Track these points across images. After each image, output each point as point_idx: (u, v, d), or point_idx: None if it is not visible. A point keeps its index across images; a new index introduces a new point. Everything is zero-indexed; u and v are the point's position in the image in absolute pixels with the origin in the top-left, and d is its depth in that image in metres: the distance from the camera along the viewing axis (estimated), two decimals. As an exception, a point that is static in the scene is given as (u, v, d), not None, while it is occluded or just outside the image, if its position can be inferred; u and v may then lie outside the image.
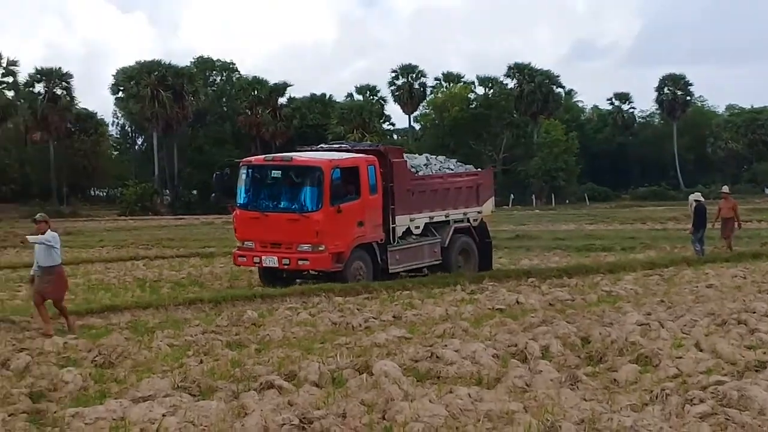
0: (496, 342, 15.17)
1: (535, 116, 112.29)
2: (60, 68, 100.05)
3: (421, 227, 28.55)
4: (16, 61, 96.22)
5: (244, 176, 26.93)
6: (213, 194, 33.83)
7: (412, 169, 28.86)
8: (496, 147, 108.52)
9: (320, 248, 25.52)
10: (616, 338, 15.00)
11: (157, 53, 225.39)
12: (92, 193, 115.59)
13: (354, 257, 26.24)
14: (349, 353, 14.79)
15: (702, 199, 33.79)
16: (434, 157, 31.93)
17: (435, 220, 29.03)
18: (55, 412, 11.28)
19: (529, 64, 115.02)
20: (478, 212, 30.62)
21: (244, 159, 28.43)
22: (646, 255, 35.32)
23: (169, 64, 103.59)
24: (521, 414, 10.57)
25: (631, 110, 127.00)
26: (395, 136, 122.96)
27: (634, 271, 28.43)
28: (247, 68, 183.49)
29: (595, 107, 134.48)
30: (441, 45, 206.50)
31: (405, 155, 29.76)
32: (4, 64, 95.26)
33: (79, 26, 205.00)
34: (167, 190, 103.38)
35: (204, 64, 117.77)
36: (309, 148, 30.44)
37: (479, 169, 32.93)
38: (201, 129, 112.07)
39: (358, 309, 21.21)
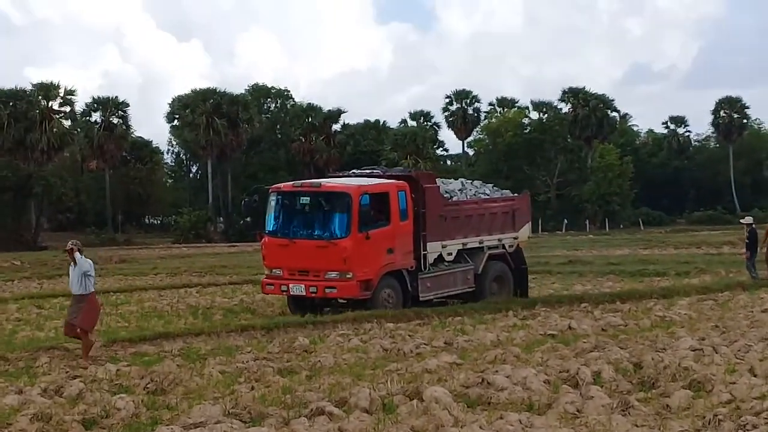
0: (548, 368, 15.08)
1: (589, 141, 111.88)
2: (116, 97, 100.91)
3: (454, 254, 28.03)
4: (73, 91, 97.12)
5: (273, 203, 26.68)
6: (242, 221, 33.79)
7: (446, 195, 28.43)
8: (550, 172, 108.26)
9: (348, 276, 25.16)
10: (668, 363, 14.85)
11: (212, 81, 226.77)
12: (147, 220, 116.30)
13: (383, 285, 25.81)
14: (399, 379, 14.75)
15: (752, 222, 33.59)
16: (470, 181, 31.59)
17: (468, 246, 28.49)
18: (107, 439, 11.35)
19: (584, 88, 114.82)
20: (514, 238, 30.02)
21: (273, 186, 28.03)
22: (701, 280, 35.02)
23: (224, 91, 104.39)
24: (572, 440, 10.51)
25: (687, 134, 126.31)
26: (449, 162, 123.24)
27: (688, 296, 28.17)
28: (301, 95, 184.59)
29: (650, 131, 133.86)
30: (495, 70, 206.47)
31: (439, 180, 29.50)
32: (62, 94, 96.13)
33: (135, 55, 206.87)
34: (221, 218, 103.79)
35: (259, 92, 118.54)
36: (340, 174, 30.46)
37: (515, 195, 32.16)
38: (255, 156, 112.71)
39: (409, 335, 21.20)
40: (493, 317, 24.67)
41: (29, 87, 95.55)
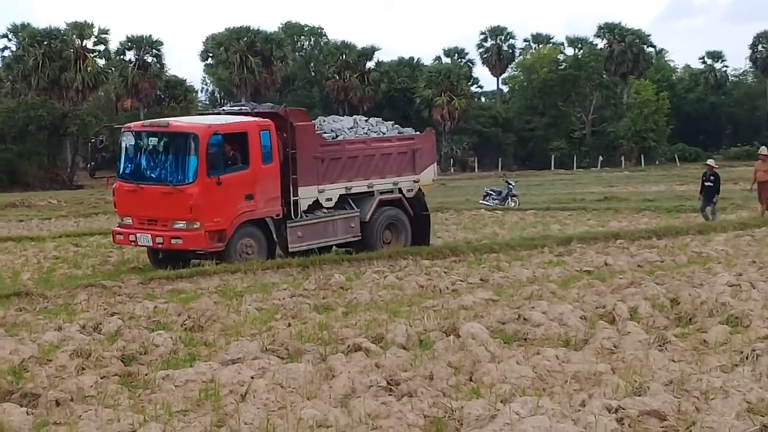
0: (584, 304, 15.08)
1: (625, 77, 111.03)
2: (150, 36, 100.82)
3: (334, 199, 25.43)
4: (107, 30, 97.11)
5: (123, 144, 24.15)
6: (89, 165, 30.32)
7: (328, 134, 25.97)
8: (585, 108, 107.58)
9: (195, 225, 22.73)
10: (705, 299, 14.80)
11: (245, 19, 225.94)
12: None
13: (240, 235, 23.35)
14: (436, 316, 14.78)
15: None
16: (364, 119, 28.53)
17: (354, 191, 25.83)
18: (146, 375, 11.43)
19: (620, 23, 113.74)
20: (414, 181, 27.06)
21: (125, 125, 25.54)
22: (738, 215, 34.84)
23: (258, 29, 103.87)
24: (609, 375, 10.50)
25: (724, 69, 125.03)
26: (483, 99, 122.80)
27: (724, 232, 27.98)
28: (335, 33, 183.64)
29: (687, 66, 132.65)
30: (530, 6, 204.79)
31: (325, 118, 27.74)
32: (96, 33, 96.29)
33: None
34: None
35: (292, 30, 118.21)
36: (209, 113, 28.85)
37: (417, 133, 28.59)
38: (289, 94, 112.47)
39: (445, 272, 21.23)
40: (528, 254, 24.62)
41: (63, 26, 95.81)
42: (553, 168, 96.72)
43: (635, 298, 15.31)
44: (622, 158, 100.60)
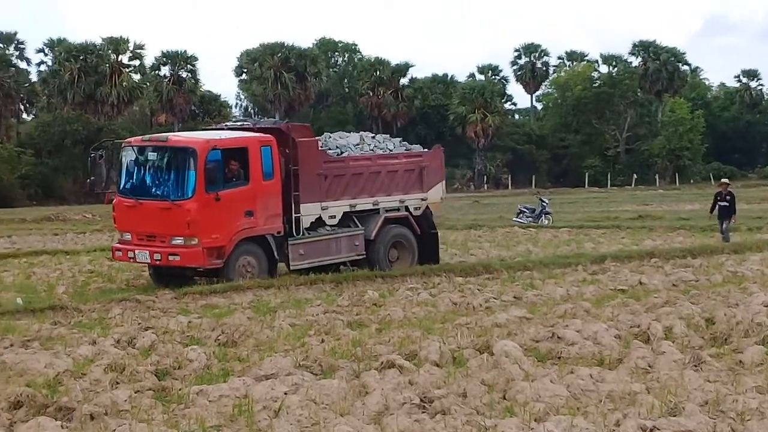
0: (618, 322, 15.01)
1: (659, 95, 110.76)
2: (185, 51, 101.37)
3: (338, 217, 24.94)
4: (142, 45, 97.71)
5: (123, 159, 23.97)
6: (88, 180, 29.44)
7: (333, 150, 25.55)
8: (620, 126, 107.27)
9: (193, 242, 22.34)
10: (741, 319, 14.71)
11: (280, 35, 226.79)
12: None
13: (240, 252, 22.91)
14: (469, 333, 14.77)
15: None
16: (371, 135, 27.96)
17: (359, 208, 25.37)
18: (180, 390, 11.47)
19: (654, 41, 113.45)
20: (422, 199, 26.62)
21: (126, 140, 25.47)
22: (774, 235, 34.65)
23: (292, 45, 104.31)
24: (644, 395, 10.46)
25: (760, 87, 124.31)
26: (517, 116, 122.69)
27: (760, 252, 27.85)
28: (369, 49, 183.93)
29: (722, 85, 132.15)
30: (564, 23, 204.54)
31: (331, 134, 27.26)
32: (131, 48, 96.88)
33: (204, 9, 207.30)
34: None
35: (326, 46, 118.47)
36: (212, 128, 28.41)
37: (425, 150, 28.17)
38: (323, 110, 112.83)
39: (478, 289, 21.18)
40: (562, 272, 24.53)
41: (99, 41, 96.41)
42: (586, 186, 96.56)
43: (670, 318, 15.23)
44: (657, 176, 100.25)
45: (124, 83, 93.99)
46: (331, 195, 24.66)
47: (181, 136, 25.04)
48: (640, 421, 9.14)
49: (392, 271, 24.64)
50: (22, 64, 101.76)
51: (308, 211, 24.16)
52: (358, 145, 26.52)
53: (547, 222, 44.47)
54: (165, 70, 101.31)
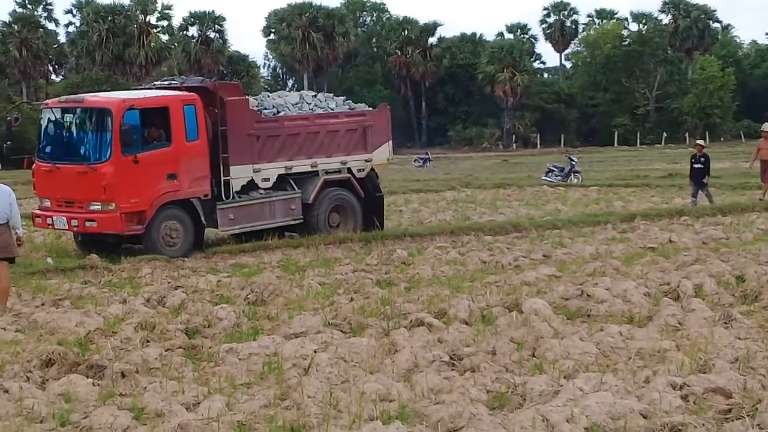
0: (648, 280, 14.93)
1: (690, 52, 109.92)
2: (213, 11, 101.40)
3: (272, 180, 23.68)
4: (170, 6, 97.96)
5: (42, 122, 22.75)
6: (3, 145, 28.65)
7: (264, 110, 24.07)
8: (650, 84, 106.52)
9: (110, 207, 21.06)
10: (772, 277, 14.65)
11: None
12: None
13: (162, 217, 21.61)
14: (498, 291, 14.73)
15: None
16: (312, 94, 26.55)
17: (295, 171, 24.11)
18: (209, 348, 11.53)
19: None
20: (366, 161, 25.27)
21: (44, 102, 24.16)
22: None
23: (320, 5, 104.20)
24: (673, 352, 10.43)
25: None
26: (546, 75, 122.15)
27: (792, 209, 27.69)
28: (397, 8, 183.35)
29: (753, 42, 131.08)
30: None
31: (269, 94, 25.99)
32: (159, 9, 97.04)
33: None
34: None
35: (354, 5, 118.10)
36: (141, 87, 27.74)
37: (369, 109, 26.69)
38: (351, 70, 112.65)
39: (507, 248, 21.13)
40: (591, 230, 24.46)
41: (127, 2, 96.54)
42: (616, 144, 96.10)
43: (700, 275, 15.14)
44: (687, 135, 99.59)
45: (152, 44, 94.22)
46: (264, 157, 23.46)
47: (98, 97, 23.76)
48: (669, 378, 9.12)
49: (340, 233, 23.74)
50: (51, 26, 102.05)
51: (238, 174, 22.97)
52: (297, 104, 25.12)
53: (576, 181, 44.29)
54: (193, 31, 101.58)
